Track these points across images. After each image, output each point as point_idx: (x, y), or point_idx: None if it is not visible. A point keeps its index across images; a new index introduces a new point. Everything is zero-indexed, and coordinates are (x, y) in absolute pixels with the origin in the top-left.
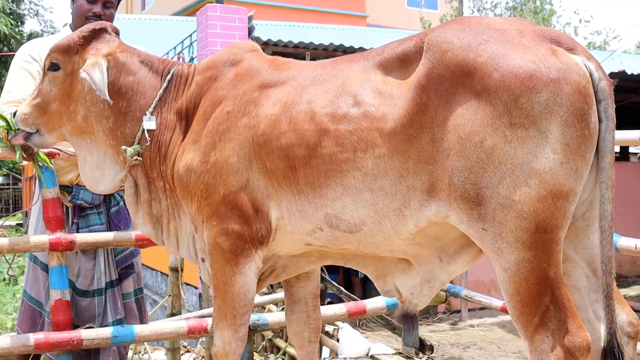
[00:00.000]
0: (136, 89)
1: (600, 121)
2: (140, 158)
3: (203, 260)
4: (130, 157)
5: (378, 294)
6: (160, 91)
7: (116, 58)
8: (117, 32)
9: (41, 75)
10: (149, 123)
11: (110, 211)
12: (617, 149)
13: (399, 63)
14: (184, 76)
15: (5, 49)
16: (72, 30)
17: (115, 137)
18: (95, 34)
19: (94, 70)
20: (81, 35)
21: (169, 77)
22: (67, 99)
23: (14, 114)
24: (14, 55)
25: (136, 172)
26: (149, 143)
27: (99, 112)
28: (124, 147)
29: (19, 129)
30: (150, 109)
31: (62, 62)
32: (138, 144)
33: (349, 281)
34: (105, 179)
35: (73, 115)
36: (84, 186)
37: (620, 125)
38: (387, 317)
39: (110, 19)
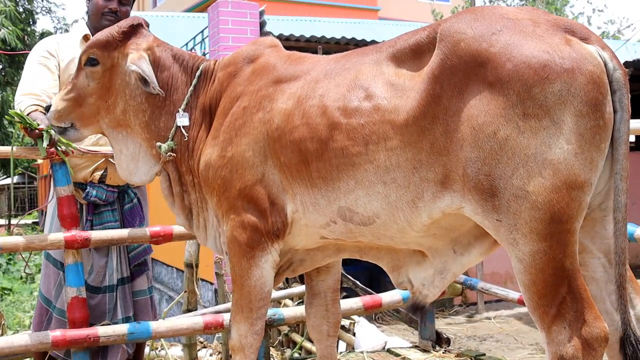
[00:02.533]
0: (170, 83)
1: (615, 112)
2: (174, 154)
3: (227, 253)
4: (164, 153)
5: None
6: (191, 87)
7: (154, 52)
8: (148, 26)
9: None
10: (182, 119)
11: (124, 208)
12: (631, 138)
13: (412, 54)
14: (209, 72)
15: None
16: (89, 27)
17: (150, 131)
18: (134, 29)
19: (142, 63)
20: (120, 31)
21: (198, 72)
22: (105, 93)
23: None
24: (27, 53)
25: (168, 166)
26: (186, 139)
27: (137, 106)
28: (158, 143)
29: (39, 127)
30: (183, 106)
31: (101, 57)
32: (172, 140)
33: (375, 276)
34: (140, 171)
35: (112, 108)
36: (98, 184)
37: (634, 115)
38: (403, 311)
39: (126, 15)
